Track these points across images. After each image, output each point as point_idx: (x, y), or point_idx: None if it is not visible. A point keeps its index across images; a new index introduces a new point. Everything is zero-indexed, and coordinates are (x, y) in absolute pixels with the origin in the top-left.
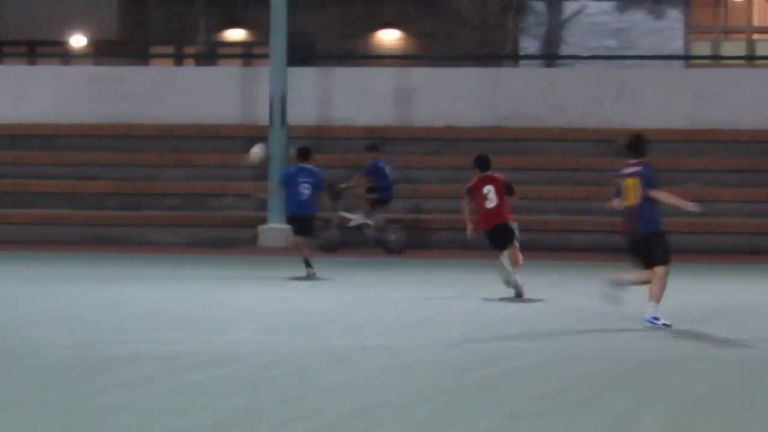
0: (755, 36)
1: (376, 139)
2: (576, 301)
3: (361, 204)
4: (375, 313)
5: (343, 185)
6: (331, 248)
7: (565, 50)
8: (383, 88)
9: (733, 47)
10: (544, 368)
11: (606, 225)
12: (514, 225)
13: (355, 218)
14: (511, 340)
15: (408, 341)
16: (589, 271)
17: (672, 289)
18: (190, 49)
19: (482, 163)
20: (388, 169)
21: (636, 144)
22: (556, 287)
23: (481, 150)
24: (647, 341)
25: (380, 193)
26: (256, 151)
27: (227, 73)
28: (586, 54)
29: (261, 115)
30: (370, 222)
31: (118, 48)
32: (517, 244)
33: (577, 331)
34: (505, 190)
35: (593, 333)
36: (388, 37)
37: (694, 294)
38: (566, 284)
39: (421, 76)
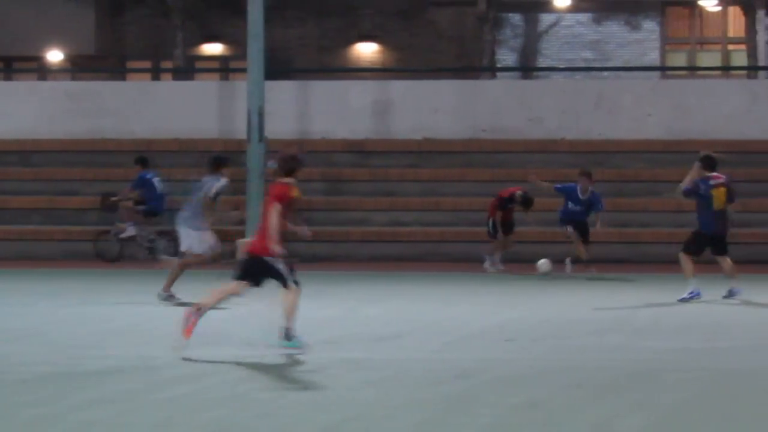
0: (730, 47)
1: (143, 153)
2: (553, 312)
3: (132, 216)
4: (352, 326)
5: (114, 198)
6: (109, 259)
7: (542, 62)
8: (361, 101)
9: (709, 58)
10: (522, 379)
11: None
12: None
13: (128, 230)
14: (490, 352)
15: (386, 354)
16: (567, 282)
17: (649, 300)
18: (167, 64)
19: None
20: (156, 182)
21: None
22: (534, 298)
23: (459, 162)
24: (625, 351)
25: (150, 204)
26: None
27: (205, 87)
28: (563, 66)
29: (239, 129)
30: (139, 233)
31: (95, 63)
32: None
33: (554, 342)
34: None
35: (571, 343)
36: (366, 50)
37: (672, 305)
38: (544, 295)
39: (399, 88)
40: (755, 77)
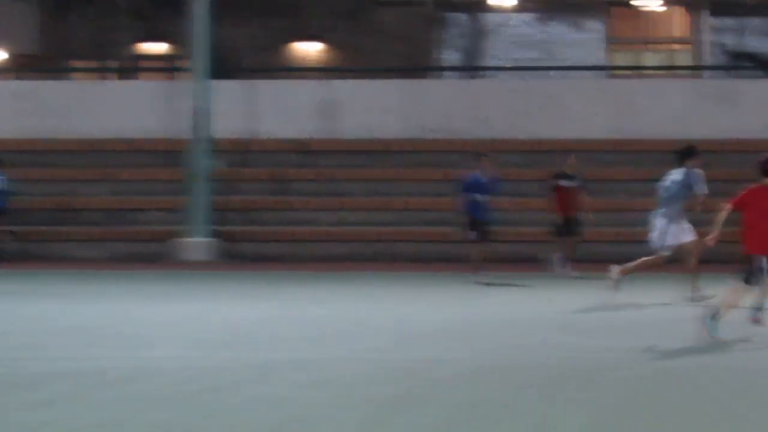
0: (675, 47)
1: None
2: (495, 311)
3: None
4: (299, 326)
5: None
6: None
7: (489, 62)
8: (308, 100)
9: (654, 58)
10: (466, 378)
11: (530, 235)
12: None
13: None
14: (434, 351)
15: (333, 354)
16: (508, 282)
17: (591, 299)
18: (112, 64)
19: None
20: (2, 180)
21: None
22: (477, 298)
23: (407, 162)
24: (566, 351)
25: None
26: None
27: (150, 87)
28: (510, 65)
29: (184, 128)
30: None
31: (40, 62)
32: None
33: (497, 341)
34: None
35: (513, 342)
36: (313, 50)
37: (612, 304)
38: (486, 295)
39: (346, 88)
40: (700, 77)
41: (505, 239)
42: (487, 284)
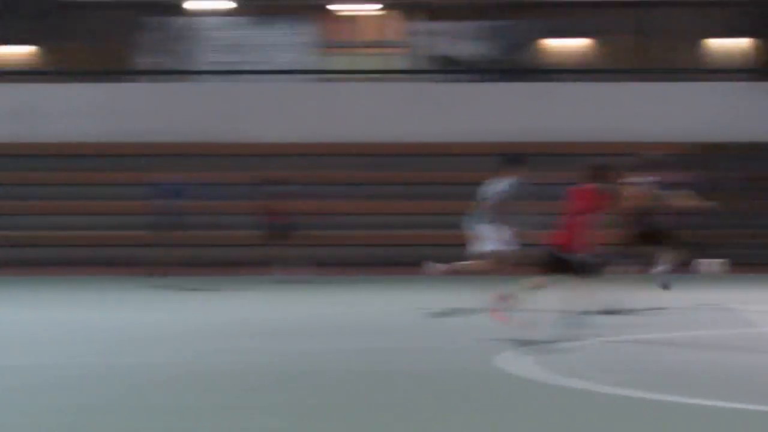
0: (390, 50)
1: None
2: (209, 315)
3: None
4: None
5: None
6: None
7: (193, 66)
8: (4, 104)
9: (368, 62)
10: (163, 384)
11: (238, 239)
12: None
13: None
14: (135, 357)
15: (34, 360)
16: (217, 285)
17: (299, 302)
18: None
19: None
20: None
21: None
22: (182, 301)
23: (101, 166)
24: (279, 354)
25: None
26: None
27: None
28: (215, 69)
29: None
30: None
31: None
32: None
33: (206, 345)
34: None
35: (214, 347)
36: (12, 53)
37: (324, 306)
38: (201, 299)
39: (43, 92)
40: (409, 81)
41: (211, 243)
42: (187, 289)
